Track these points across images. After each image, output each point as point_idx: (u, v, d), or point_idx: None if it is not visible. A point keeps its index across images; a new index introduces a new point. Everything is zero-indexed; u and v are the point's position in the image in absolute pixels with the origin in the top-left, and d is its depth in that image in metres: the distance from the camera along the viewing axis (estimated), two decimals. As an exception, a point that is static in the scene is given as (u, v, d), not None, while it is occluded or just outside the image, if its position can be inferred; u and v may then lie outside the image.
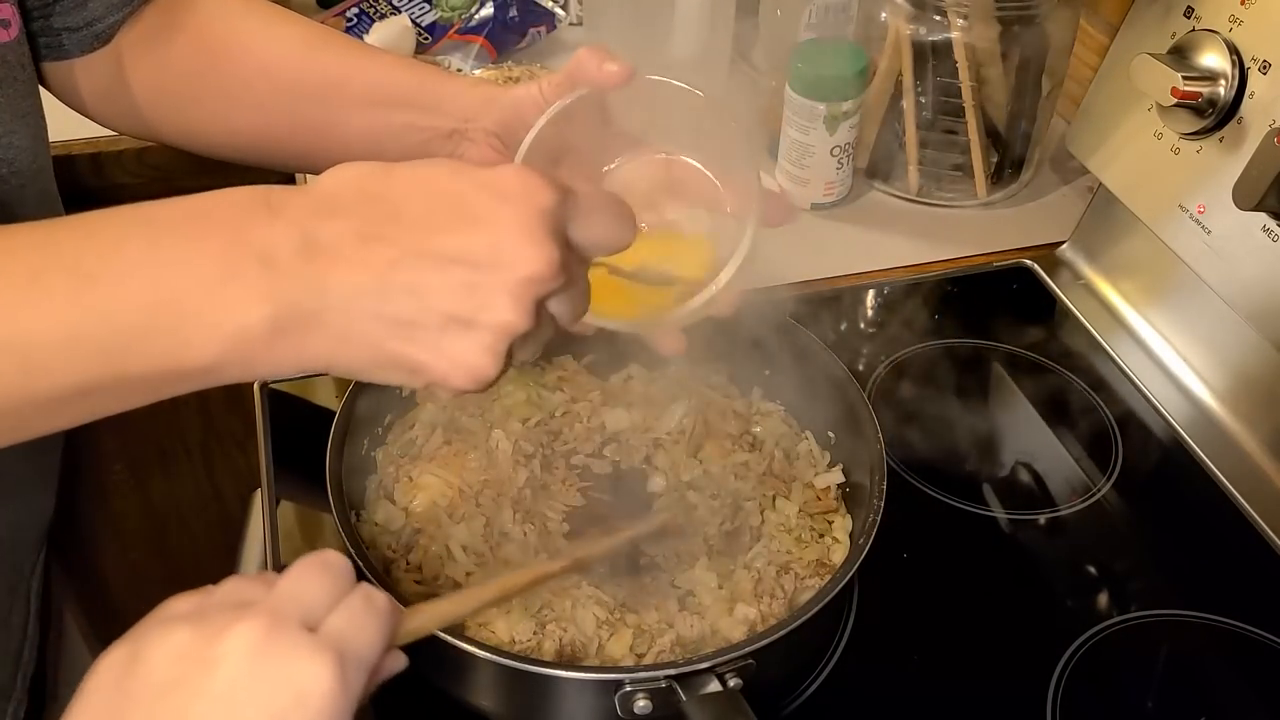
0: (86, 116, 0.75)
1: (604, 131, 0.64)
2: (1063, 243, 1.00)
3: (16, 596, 0.78)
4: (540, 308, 0.47)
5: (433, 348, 0.45)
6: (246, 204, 0.45)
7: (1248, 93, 0.77)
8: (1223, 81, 0.78)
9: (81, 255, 0.44)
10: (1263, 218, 0.77)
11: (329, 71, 0.71)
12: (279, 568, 0.73)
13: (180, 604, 0.44)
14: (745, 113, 0.63)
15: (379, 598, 0.44)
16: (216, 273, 0.44)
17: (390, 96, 0.69)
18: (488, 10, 1.16)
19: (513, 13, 1.16)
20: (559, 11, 1.20)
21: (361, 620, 0.43)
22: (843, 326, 0.94)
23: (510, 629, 0.64)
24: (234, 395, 1.49)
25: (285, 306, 0.44)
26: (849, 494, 0.74)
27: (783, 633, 0.60)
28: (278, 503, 0.76)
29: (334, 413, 0.70)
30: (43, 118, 0.70)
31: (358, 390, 0.72)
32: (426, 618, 0.49)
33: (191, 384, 0.46)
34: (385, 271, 0.44)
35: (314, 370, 0.46)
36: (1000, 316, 0.95)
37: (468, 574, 0.67)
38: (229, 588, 0.45)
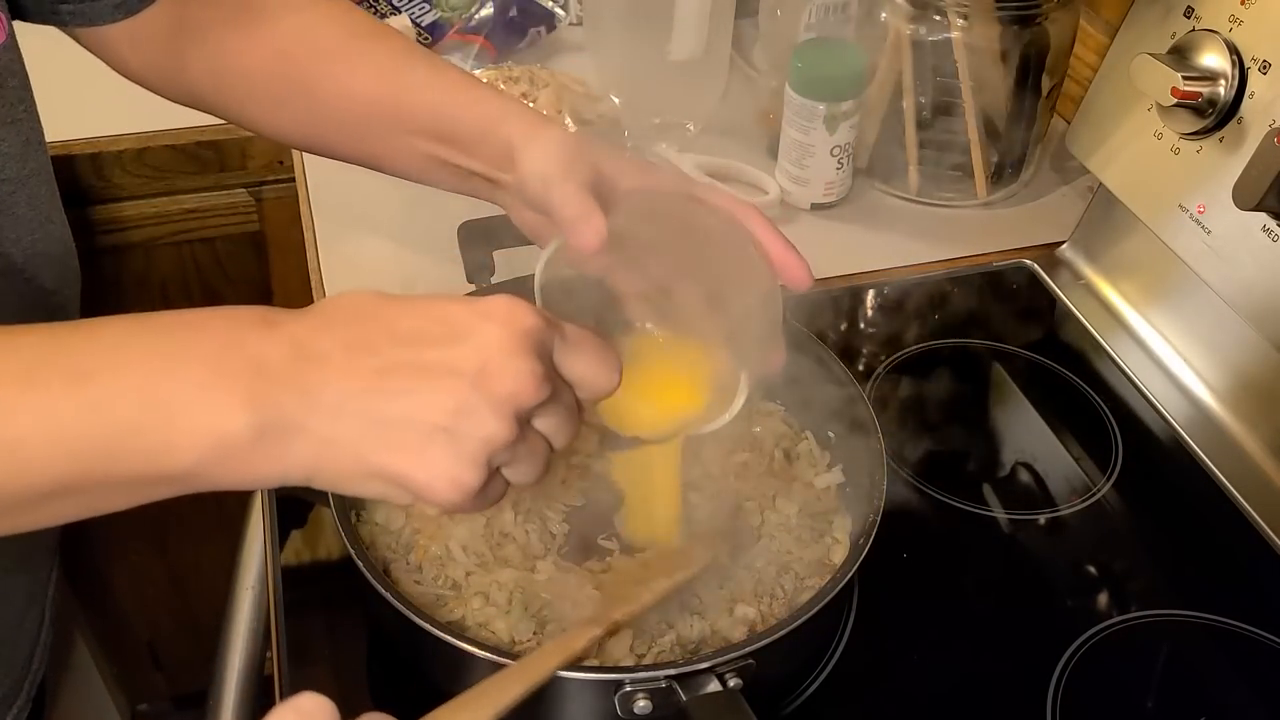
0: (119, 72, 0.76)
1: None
2: (1063, 243, 1.00)
3: (33, 604, 0.78)
4: (526, 425, 0.48)
5: (415, 457, 0.46)
6: (244, 317, 0.47)
7: (1248, 93, 0.77)
8: (1223, 81, 0.78)
9: (79, 355, 0.45)
10: (1263, 218, 0.77)
11: (401, 101, 0.70)
12: (279, 567, 0.73)
13: None
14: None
15: None
16: (205, 377, 0.44)
17: (446, 134, 0.70)
18: (488, 10, 1.16)
19: (513, 13, 1.16)
20: (559, 11, 1.20)
21: None
22: (843, 326, 0.94)
23: (510, 629, 0.64)
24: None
25: (270, 412, 0.44)
26: (849, 494, 0.74)
27: (783, 633, 0.60)
28: (278, 503, 0.76)
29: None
30: (37, 121, 0.70)
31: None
32: None
33: (175, 487, 0.46)
34: (371, 379, 0.45)
35: (297, 481, 0.46)
36: (1000, 316, 0.95)
37: (468, 574, 0.67)
38: None
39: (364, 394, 0.45)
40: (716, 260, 0.66)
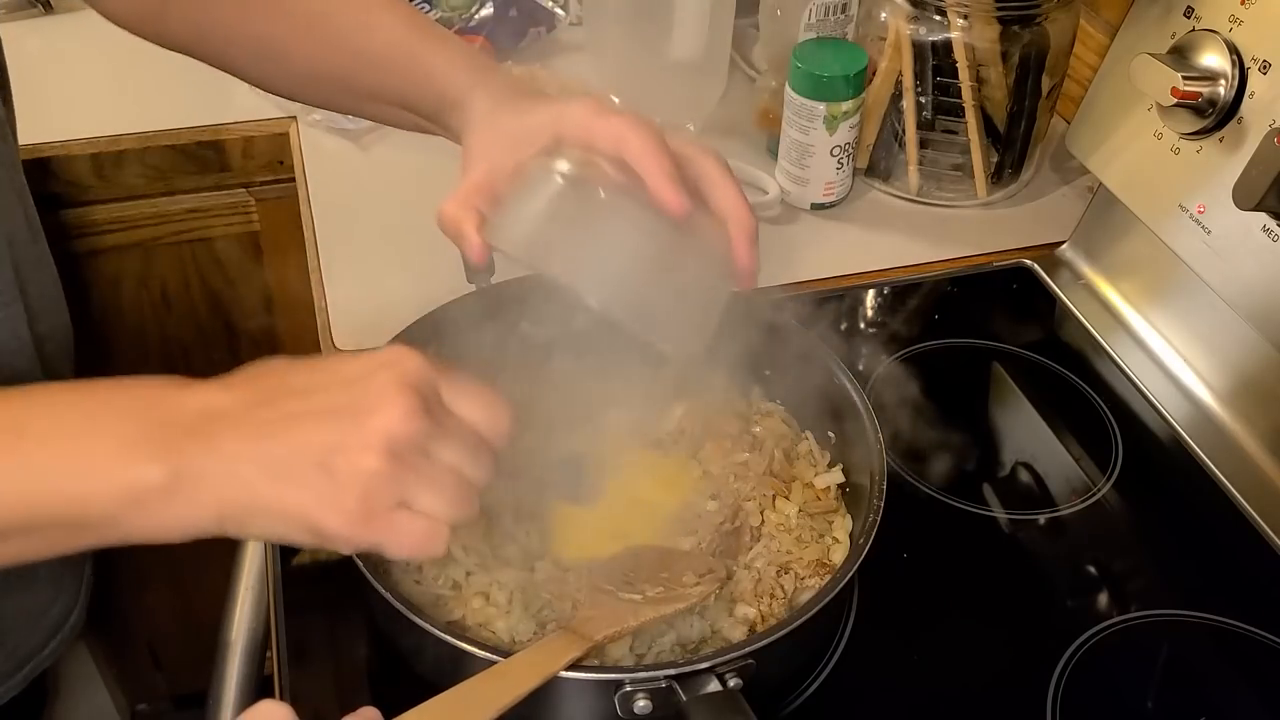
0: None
1: None
2: (1063, 243, 1.00)
3: (63, 591, 0.81)
4: (419, 458, 0.51)
5: (302, 491, 0.49)
6: (165, 384, 0.52)
7: (1248, 93, 0.77)
8: (1223, 81, 0.78)
9: (18, 416, 0.51)
10: (1263, 218, 0.77)
11: (357, 71, 0.73)
12: (279, 567, 0.73)
13: None
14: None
15: None
16: (126, 434, 0.50)
17: (406, 104, 0.73)
18: (488, 10, 1.16)
19: (513, 13, 1.16)
20: (559, 11, 1.20)
21: None
22: (843, 326, 0.94)
23: (510, 629, 0.64)
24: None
25: (177, 462, 0.49)
26: (849, 494, 0.74)
27: (783, 633, 0.60)
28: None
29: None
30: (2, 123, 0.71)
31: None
32: None
33: (97, 535, 0.51)
34: (264, 428, 0.50)
35: (210, 527, 0.50)
36: (1000, 316, 0.95)
37: (468, 574, 0.67)
38: None
39: (257, 440, 0.50)
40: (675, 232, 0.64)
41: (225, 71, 0.78)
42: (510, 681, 0.56)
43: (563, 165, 0.60)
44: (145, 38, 0.78)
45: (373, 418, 0.49)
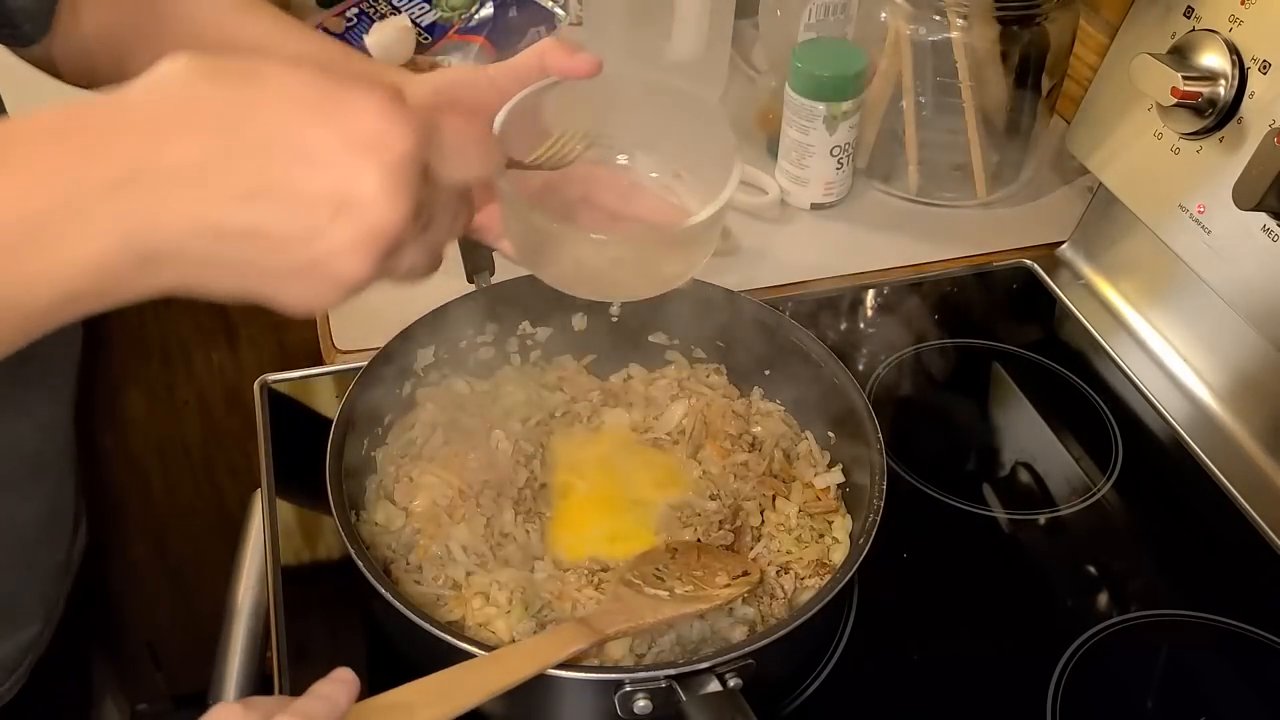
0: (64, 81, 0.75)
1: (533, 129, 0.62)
2: (1063, 243, 1.00)
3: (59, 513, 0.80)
4: (399, 251, 0.46)
5: (276, 288, 0.45)
6: (92, 122, 0.43)
7: (1248, 93, 0.77)
8: (1223, 81, 0.78)
9: None
10: (1263, 218, 0.77)
11: (258, 39, 0.70)
12: (279, 567, 0.73)
13: None
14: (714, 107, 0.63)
15: (311, 707, 0.45)
16: (62, 208, 0.42)
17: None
18: (488, 10, 1.16)
19: (513, 13, 1.16)
20: (559, 11, 1.20)
21: None
22: (843, 326, 0.94)
23: (510, 629, 0.64)
24: (234, 395, 1.49)
25: (132, 239, 0.42)
26: (849, 494, 0.74)
27: (783, 633, 0.60)
28: (278, 503, 0.76)
29: (334, 414, 0.70)
30: None
31: (358, 390, 0.72)
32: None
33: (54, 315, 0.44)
34: (225, 206, 0.43)
35: (163, 294, 0.45)
36: (1000, 316, 0.95)
37: (468, 574, 0.67)
38: None
39: (217, 227, 0.43)
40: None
41: None
42: (506, 668, 0.56)
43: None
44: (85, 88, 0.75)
45: (362, 221, 0.43)
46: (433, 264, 0.51)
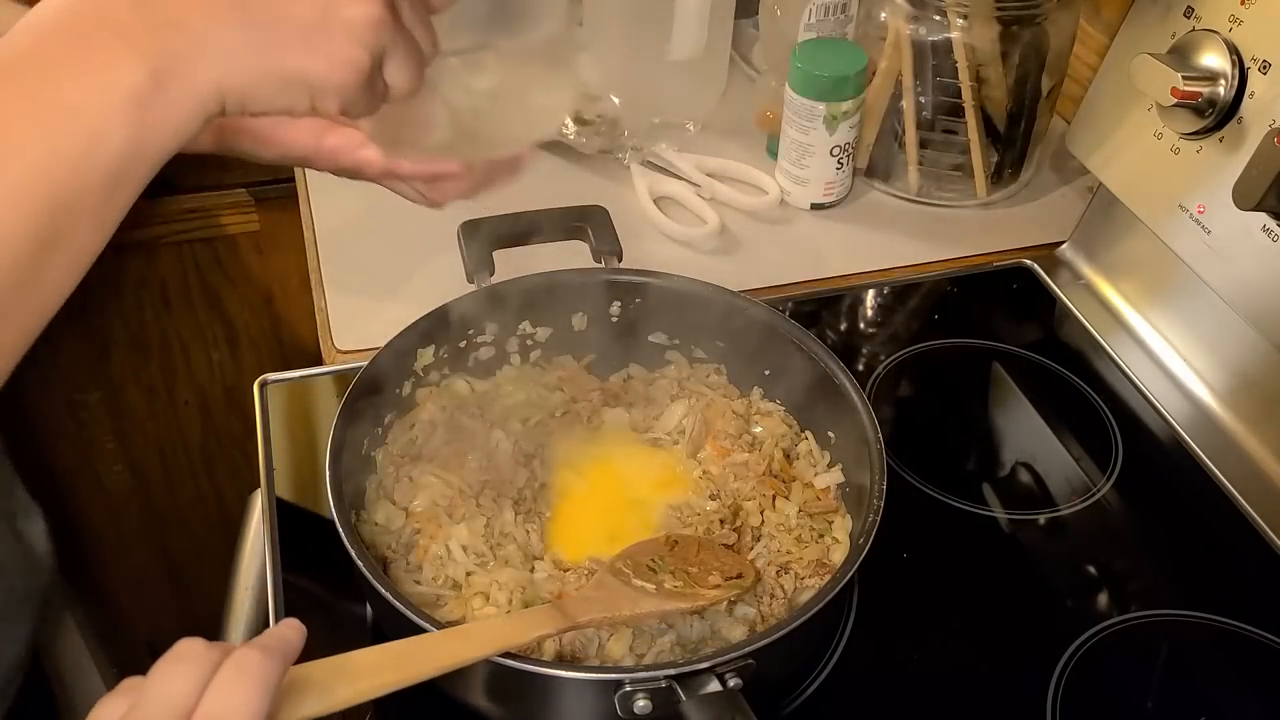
0: None
1: None
2: (1063, 243, 1.00)
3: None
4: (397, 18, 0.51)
5: (303, 50, 0.49)
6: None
7: (1248, 93, 0.77)
8: (1223, 81, 0.78)
9: None
10: (1263, 218, 0.77)
11: None
12: (279, 567, 0.73)
13: None
14: None
15: (249, 658, 0.45)
16: (81, 60, 0.46)
17: None
18: (488, 10, 1.16)
19: (513, 13, 1.16)
20: (559, 11, 1.20)
21: (230, 690, 0.44)
22: (843, 326, 0.94)
23: (510, 629, 0.64)
24: (234, 395, 1.49)
25: (156, 58, 0.46)
26: (849, 494, 0.74)
27: (783, 633, 0.60)
28: (278, 503, 0.76)
29: (334, 414, 0.70)
30: None
31: (358, 391, 0.72)
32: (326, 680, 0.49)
33: (116, 166, 0.47)
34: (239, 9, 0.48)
35: (214, 114, 0.48)
36: (1000, 316, 0.95)
37: (468, 574, 0.67)
38: (93, 714, 0.45)
39: (237, 20, 0.48)
40: None
41: None
42: (466, 644, 0.56)
43: None
44: None
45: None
46: (416, 75, 0.54)
